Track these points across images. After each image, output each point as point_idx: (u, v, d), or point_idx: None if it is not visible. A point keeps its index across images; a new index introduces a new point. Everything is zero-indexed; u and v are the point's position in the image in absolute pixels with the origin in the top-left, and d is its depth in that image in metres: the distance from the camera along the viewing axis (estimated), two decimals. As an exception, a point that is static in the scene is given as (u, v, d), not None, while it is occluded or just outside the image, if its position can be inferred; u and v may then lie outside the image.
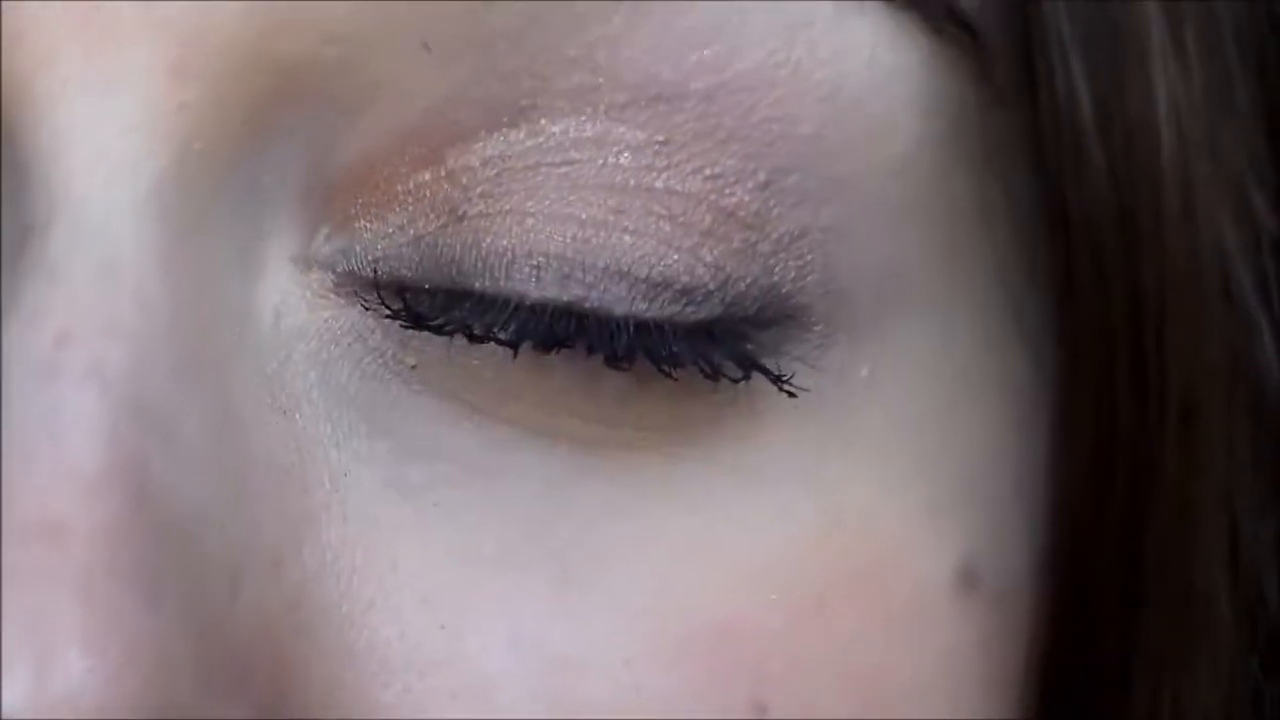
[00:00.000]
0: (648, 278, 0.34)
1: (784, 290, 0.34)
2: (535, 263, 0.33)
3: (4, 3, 0.32)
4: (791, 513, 0.35)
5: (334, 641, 0.33)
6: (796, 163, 0.34)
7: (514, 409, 0.34)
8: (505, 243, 0.34)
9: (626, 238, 0.34)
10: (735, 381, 0.34)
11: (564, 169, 0.34)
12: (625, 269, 0.34)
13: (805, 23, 0.34)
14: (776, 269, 0.34)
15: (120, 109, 0.32)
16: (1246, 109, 0.37)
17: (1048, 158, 0.35)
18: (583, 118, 0.33)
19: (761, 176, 0.34)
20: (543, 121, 0.33)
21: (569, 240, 0.33)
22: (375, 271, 0.34)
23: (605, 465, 0.34)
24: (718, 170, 0.34)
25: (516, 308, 0.34)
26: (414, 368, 0.34)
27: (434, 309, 0.34)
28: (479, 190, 0.33)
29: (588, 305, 0.33)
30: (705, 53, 0.33)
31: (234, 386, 0.33)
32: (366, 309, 0.34)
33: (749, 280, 0.34)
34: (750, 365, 0.34)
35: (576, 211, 0.34)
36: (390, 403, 0.34)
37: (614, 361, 0.34)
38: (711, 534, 0.34)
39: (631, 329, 0.34)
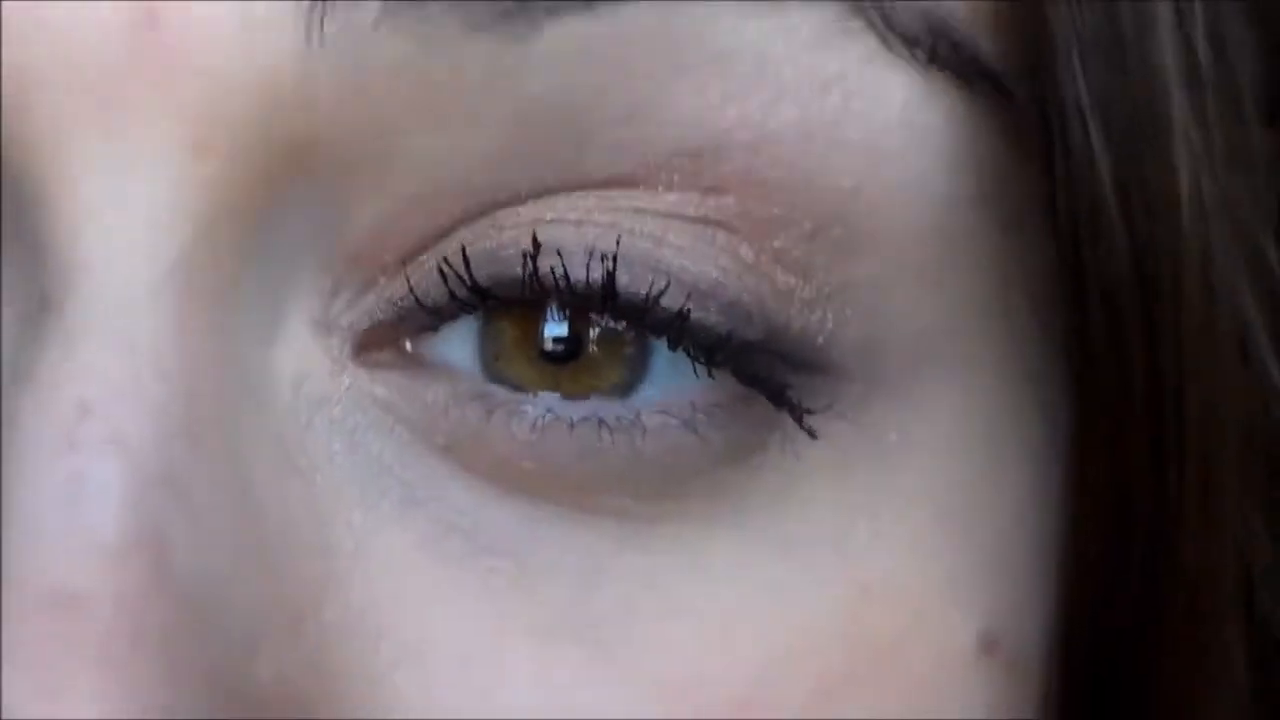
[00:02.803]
0: (694, 284, 0.34)
1: (819, 342, 0.34)
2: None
3: (18, 84, 0.32)
4: (823, 583, 0.35)
5: (358, 700, 0.33)
6: (839, 216, 0.34)
7: (553, 490, 0.34)
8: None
9: (669, 252, 0.34)
10: (778, 436, 0.34)
11: (610, 215, 0.34)
12: (672, 273, 0.34)
13: (837, 76, 0.33)
14: (814, 318, 0.34)
15: (141, 187, 0.32)
16: (1263, 165, 0.37)
17: (1066, 225, 0.35)
18: (623, 170, 0.33)
19: (807, 226, 0.34)
20: (579, 193, 0.33)
21: (612, 242, 0.33)
22: (396, 332, 0.34)
23: (643, 538, 0.34)
24: (763, 216, 0.34)
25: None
26: (446, 448, 0.34)
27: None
28: (507, 240, 0.34)
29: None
30: (746, 105, 0.33)
31: (253, 452, 0.33)
32: (387, 371, 0.34)
33: (785, 320, 0.34)
34: (782, 393, 0.34)
35: (619, 229, 0.34)
36: (425, 474, 0.34)
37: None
38: (744, 606, 0.34)
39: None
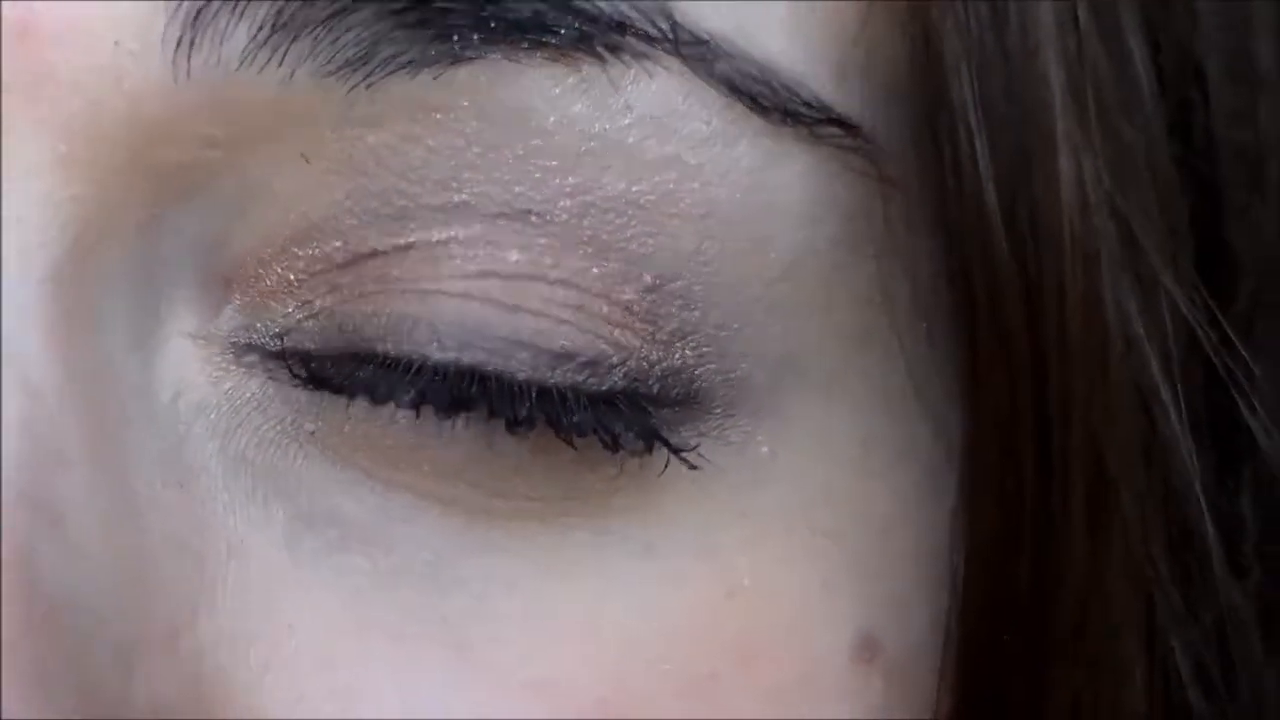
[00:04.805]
0: (550, 349, 0.34)
1: (684, 375, 0.34)
2: (437, 328, 0.34)
3: None
4: (684, 585, 0.35)
5: (229, 708, 0.33)
6: (679, 270, 0.34)
7: (411, 476, 0.34)
8: (407, 310, 0.34)
9: (528, 317, 0.34)
10: (635, 455, 0.34)
11: (458, 260, 0.34)
12: (527, 340, 0.34)
13: (672, 158, 0.34)
14: (675, 356, 0.34)
15: (13, 200, 0.32)
16: (1167, 176, 0.37)
17: (952, 237, 0.35)
18: (460, 226, 0.34)
19: (647, 280, 0.34)
20: (424, 232, 0.34)
21: (469, 314, 0.34)
22: (281, 343, 0.34)
23: (498, 536, 0.35)
24: (605, 270, 0.34)
25: (419, 369, 0.34)
26: (313, 433, 0.34)
27: (338, 373, 0.34)
28: (374, 275, 0.34)
29: (489, 369, 0.34)
30: (569, 180, 0.33)
31: (129, 467, 0.33)
32: (270, 378, 0.34)
33: (651, 361, 0.34)
34: (652, 437, 0.34)
35: (474, 293, 0.34)
36: (288, 468, 0.34)
37: (514, 426, 0.34)
38: (603, 607, 0.35)
39: (534, 395, 0.34)
